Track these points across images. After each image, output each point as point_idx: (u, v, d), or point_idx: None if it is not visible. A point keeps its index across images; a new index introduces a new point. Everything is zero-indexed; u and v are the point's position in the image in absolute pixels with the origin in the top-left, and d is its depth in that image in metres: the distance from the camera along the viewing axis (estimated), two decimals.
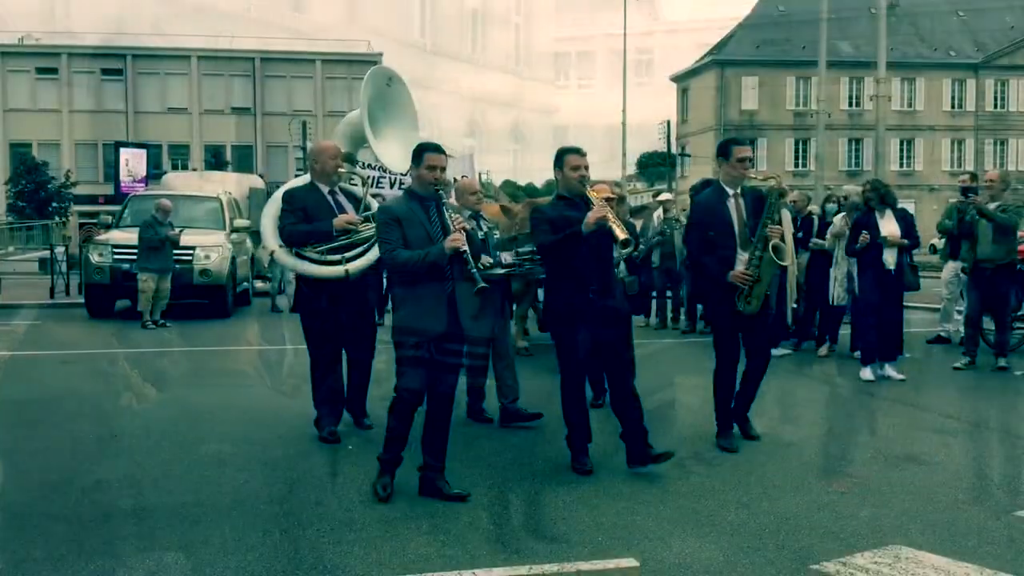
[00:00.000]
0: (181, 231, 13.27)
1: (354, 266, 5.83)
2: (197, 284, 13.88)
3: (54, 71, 51.11)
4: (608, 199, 5.19)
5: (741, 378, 5.90)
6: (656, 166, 63.90)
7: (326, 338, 5.97)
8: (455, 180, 9.58)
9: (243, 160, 50.11)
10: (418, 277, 4.66)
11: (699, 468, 5.45)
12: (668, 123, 48.71)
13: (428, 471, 4.78)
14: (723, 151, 5.86)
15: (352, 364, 6.15)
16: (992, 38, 55.88)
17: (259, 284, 18.90)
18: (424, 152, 4.79)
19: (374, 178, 9.11)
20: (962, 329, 11.09)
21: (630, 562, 3.93)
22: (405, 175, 9.31)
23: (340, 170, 5.99)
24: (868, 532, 4.34)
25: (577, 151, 5.33)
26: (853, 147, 52.34)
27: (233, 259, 14.77)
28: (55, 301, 16.77)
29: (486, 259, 5.21)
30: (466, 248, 4.56)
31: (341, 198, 6.03)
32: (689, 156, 54.94)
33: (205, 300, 14.46)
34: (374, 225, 5.58)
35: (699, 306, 11.47)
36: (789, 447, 5.94)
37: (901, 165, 52.70)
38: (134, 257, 13.14)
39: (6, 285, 17.77)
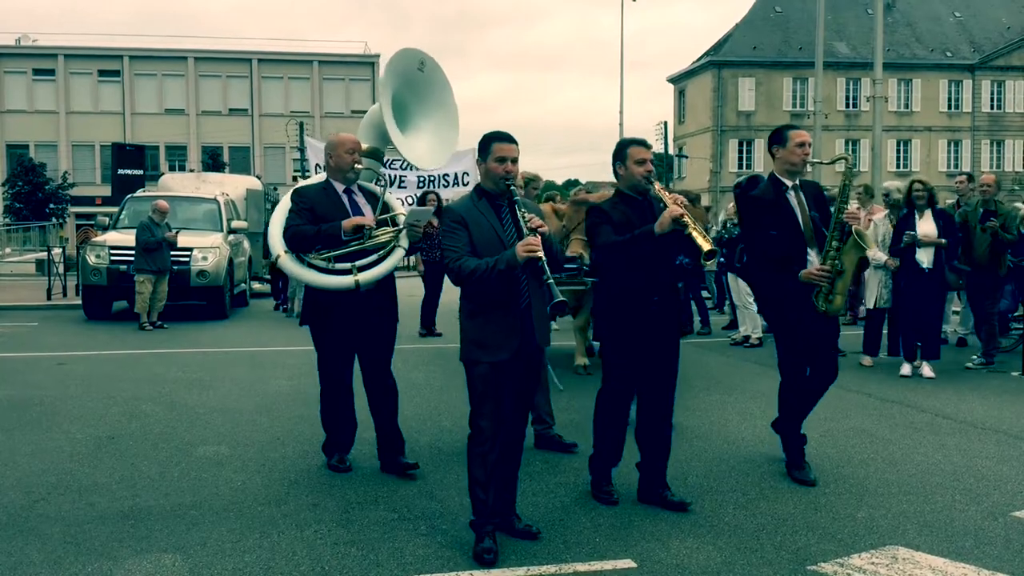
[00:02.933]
0: (178, 232, 13.28)
1: (366, 276, 5.03)
2: (194, 285, 13.90)
3: (51, 72, 51.10)
4: (684, 203, 4.50)
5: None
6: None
7: (337, 356, 5.28)
8: (459, 175, 9.39)
9: (240, 161, 50.12)
10: (489, 290, 4.01)
11: (697, 469, 5.45)
12: (665, 124, 48.74)
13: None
14: (777, 138, 5.22)
15: (373, 393, 5.34)
16: (988, 39, 56.00)
17: (256, 285, 18.91)
18: (492, 142, 4.13)
19: (395, 178, 8.63)
20: (959, 330, 11.14)
21: (627, 563, 3.93)
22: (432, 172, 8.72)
23: (358, 166, 5.18)
24: (865, 533, 4.34)
25: (642, 143, 4.71)
26: (850, 148, 52.36)
27: (230, 260, 14.80)
28: (52, 303, 16.78)
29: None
30: (542, 255, 3.85)
31: (359, 198, 5.26)
32: (686, 157, 55.03)
33: (202, 301, 14.47)
34: (392, 230, 5.19)
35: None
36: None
37: (897, 166, 52.78)
38: (131, 258, 13.14)
39: (3, 286, 17.74)
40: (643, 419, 4.78)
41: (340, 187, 5.21)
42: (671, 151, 53.09)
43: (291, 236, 5.10)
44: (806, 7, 49.59)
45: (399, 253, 5.23)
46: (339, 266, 5.05)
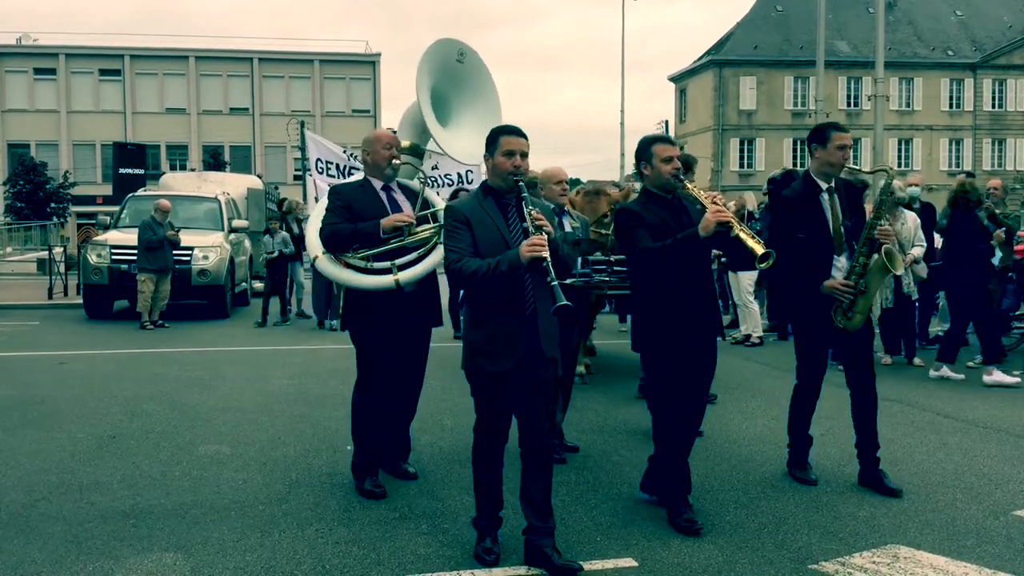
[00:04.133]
0: (180, 231, 13.28)
1: (407, 275, 4.77)
2: (195, 284, 13.90)
3: (52, 71, 51.12)
4: (720, 200, 4.29)
5: (853, 423, 5.19)
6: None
7: (383, 360, 4.89)
8: (463, 175, 9.28)
9: (241, 160, 50.13)
10: (491, 293, 3.82)
11: (697, 468, 5.45)
12: (666, 123, 48.67)
13: (533, 534, 3.90)
14: (819, 136, 4.93)
15: (400, 396, 5.14)
16: (990, 38, 55.96)
17: (257, 284, 18.90)
18: (499, 135, 3.90)
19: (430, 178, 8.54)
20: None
21: (628, 562, 3.93)
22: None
23: (395, 162, 4.93)
24: (867, 532, 4.34)
25: (667, 139, 4.51)
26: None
27: (231, 259, 14.79)
28: (53, 302, 16.78)
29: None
30: (546, 255, 3.62)
31: (398, 196, 5.02)
32: (686, 156, 54.93)
33: (203, 300, 14.48)
34: (433, 226, 4.94)
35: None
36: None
37: (899, 165, 52.72)
38: (132, 258, 13.15)
39: (5, 285, 17.74)
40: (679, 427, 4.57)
41: (378, 184, 4.98)
42: None
43: (327, 235, 4.85)
44: (807, 6, 49.52)
45: (440, 250, 4.83)
46: (378, 265, 4.80)
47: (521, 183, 3.87)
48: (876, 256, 4.81)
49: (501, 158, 3.87)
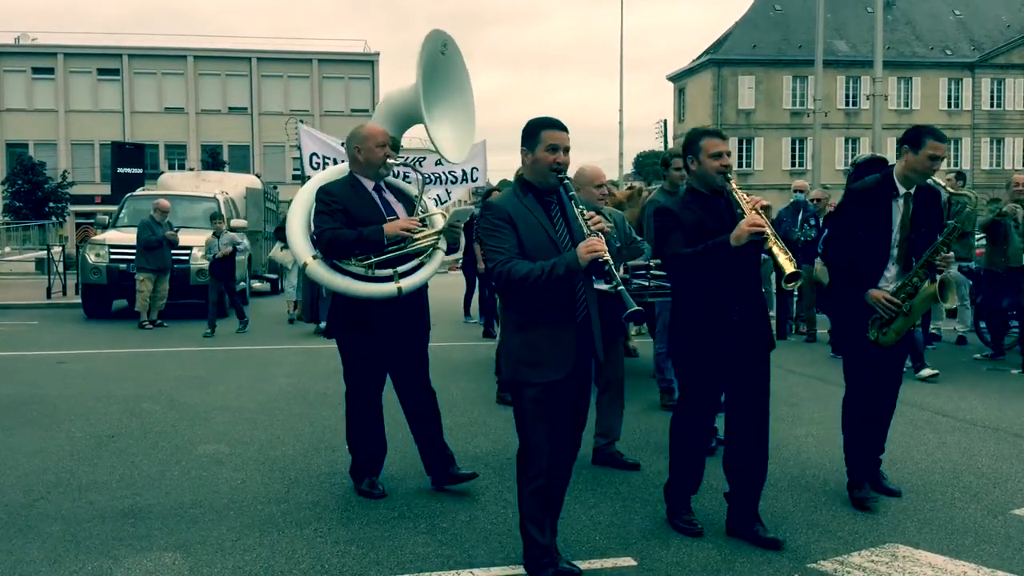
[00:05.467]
0: (178, 231, 13.28)
1: (408, 283, 4.65)
2: (194, 284, 13.90)
3: (50, 71, 51.08)
4: (764, 207, 3.97)
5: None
6: (653, 165, 63.95)
7: (369, 370, 4.81)
8: (467, 172, 9.12)
9: (240, 160, 50.11)
10: (541, 298, 3.52)
11: None
12: (665, 123, 48.73)
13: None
14: (914, 140, 4.52)
15: (411, 407, 4.91)
16: (988, 37, 56.01)
17: (256, 284, 18.91)
18: (541, 128, 3.63)
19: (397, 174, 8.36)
20: (958, 327, 11.13)
21: (628, 561, 3.93)
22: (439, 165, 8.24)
23: (390, 160, 4.76)
24: (865, 530, 4.34)
25: (716, 133, 4.18)
26: (850, 146, 52.41)
27: None
28: (52, 301, 16.79)
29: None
30: (607, 257, 3.40)
31: (389, 196, 4.84)
32: None
33: (202, 300, 14.46)
34: (434, 232, 4.80)
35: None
36: (787, 446, 5.94)
37: None
38: (131, 257, 13.15)
39: (3, 285, 17.74)
40: (732, 443, 4.25)
41: (369, 184, 4.76)
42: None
43: (328, 241, 4.58)
44: (806, 5, 49.56)
45: (439, 256, 4.87)
46: (380, 272, 4.61)
47: (567, 180, 3.64)
48: (930, 284, 4.53)
49: (544, 153, 3.59)
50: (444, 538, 4.21)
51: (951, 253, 4.61)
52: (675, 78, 60.41)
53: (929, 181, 4.68)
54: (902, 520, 4.49)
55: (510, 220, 3.54)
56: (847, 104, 53.61)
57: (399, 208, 4.83)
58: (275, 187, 28.99)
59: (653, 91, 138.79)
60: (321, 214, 4.63)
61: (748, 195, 3.99)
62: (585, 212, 3.56)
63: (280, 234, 13.82)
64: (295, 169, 45.89)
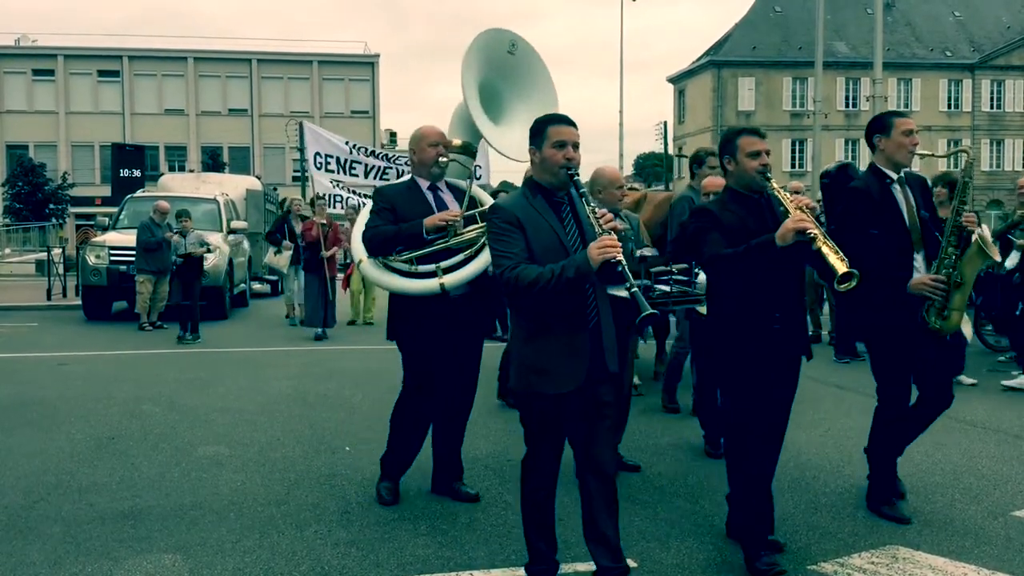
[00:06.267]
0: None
1: (452, 279, 4.47)
2: None
3: (51, 72, 51.11)
4: (808, 206, 3.75)
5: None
6: (653, 167, 64.04)
7: (428, 369, 4.63)
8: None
9: (240, 161, 50.15)
10: (550, 304, 3.33)
11: (697, 469, 5.45)
12: (664, 124, 48.72)
13: None
14: (879, 125, 4.50)
15: (446, 411, 4.78)
16: (988, 38, 56.04)
17: (256, 286, 18.91)
18: (547, 125, 3.46)
19: (379, 168, 8.14)
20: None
21: (628, 562, 3.92)
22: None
23: (442, 159, 4.63)
24: (865, 532, 4.34)
25: (754, 131, 3.98)
26: (850, 147, 52.42)
27: (230, 260, 14.80)
28: (52, 303, 16.80)
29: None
30: (620, 257, 3.18)
31: (446, 196, 4.73)
32: (686, 157, 54.99)
33: (202, 302, 14.45)
34: (482, 225, 4.57)
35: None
36: (786, 448, 5.92)
37: None
38: (131, 259, 13.15)
39: (3, 287, 17.75)
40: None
41: (424, 184, 4.69)
42: (671, 151, 53.12)
43: (370, 238, 4.60)
44: (806, 7, 49.59)
45: (489, 252, 4.42)
46: (422, 268, 4.51)
47: (576, 177, 3.43)
48: (972, 242, 4.32)
49: (551, 150, 3.40)
50: (444, 540, 4.21)
51: (973, 212, 4.45)
52: (675, 80, 60.45)
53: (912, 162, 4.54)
54: None
55: (518, 223, 3.36)
56: (847, 105, 53.64)
57: (455, 207, 4.69)
58: (275, 188, 29.01)
59: (653, 92, 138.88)
60: (371, 214, 4.70)
61: (789, 194, 3.80)
62: (596, 210, 3.35)
63: (271, 238, 13.75)
64: (295, 171, 45.99)
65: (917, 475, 5.32)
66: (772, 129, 53.82)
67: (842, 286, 3.60)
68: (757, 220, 3.82)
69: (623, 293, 3.27)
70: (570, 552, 4.00)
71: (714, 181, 5.55)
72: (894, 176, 4.45)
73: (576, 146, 3.42)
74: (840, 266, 3.57)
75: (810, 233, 3.57)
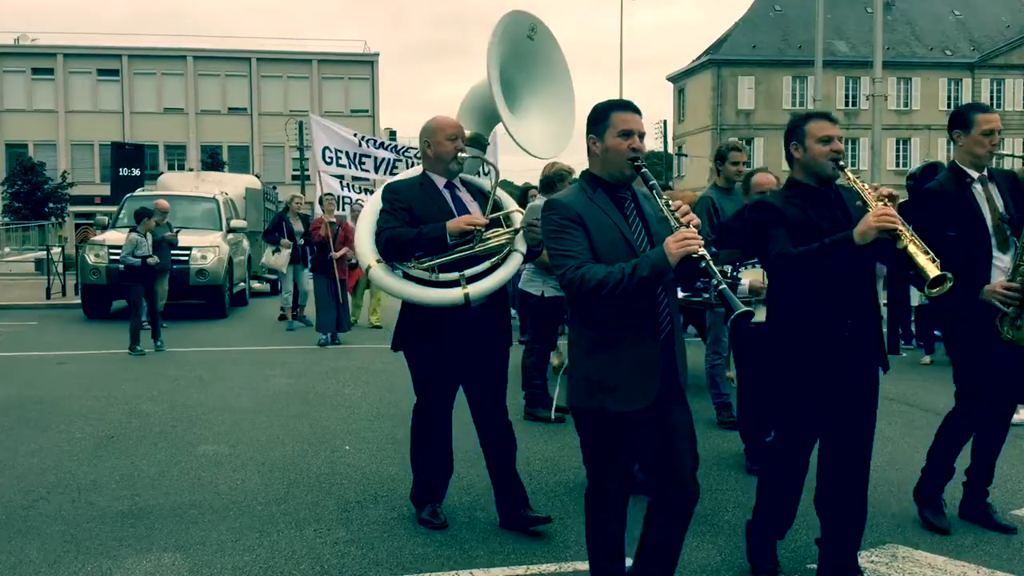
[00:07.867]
0: (178, 231, 13.26)
1: (477, 289, 4.08)
2: (194, 284, 13.91)
3: (50, 71, 51.09)
4: (891, 196, 3.35)
5: (975, 449, 4.52)
6: (653, 166, 64.02)
7: (439, 386, 4.32)
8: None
9: (239, 160, 50.13)
10: (619, 310, 2.99)
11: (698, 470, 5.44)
12: (664, 123, 48.79)
13: None
14: (960, 121, 4.30)
15: (484, 431, 4.38)
16: (988, 37, 56.04)
17: (256, 285, 18.91)
18: (610, 111, 3.09)
19: (388, 161, 7.85)
20: None
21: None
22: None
23: (462, 155, 4.22)
24: (865, 531, 4.32)
25: (826, 116, 3.62)
26: (849, 146, 52.40)
27: (230, 259, 14.81)
28: (51, 302, 16.80)
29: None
30: (703, 251, 2.84)
31: (463, 194, 4.32)
32: (686, 156, 55.04)
33: (202, 300, 14.47)
34: (507, 231, 4.26)
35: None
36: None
37: (897, 165, 52.78)
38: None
39: (3, 285, 17.74)
40: (827, 480, 3.59)
41: (440, 181, 4.28)
42: (671, 150, 53.16)
43: (386, 241, 4.12)
44: (805, 5, 49.52)
45: (516, 259, 4.25)
46: (444, 277, 4.08)
47: (645, 169, 3.09)
48: None
49: (616, 139, 3.04)
50: (444, 539, 4.21)
51: None
52: (675, 78, 60.42)
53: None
54: (902, 521, 4.49)
55: (579, 220, 3.01)
56: (847, 104, 53.62)
57: (474, 207, 4.28)
58: (275, 187, 29.01)
59: (653, 91, 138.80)
60: (384, 213, 4.21)
61: (867, 184, 3.43)
62: (671, 202, 2.95)
63: (269, 237, 13.41)
64: (295, 169, 45.93)
65: (917, 474, 5.30)
66: (772, 128, 53.79)
67: (934, 290, 3.24)
68: (824, 216, 3.46)
69: (696, 298, 2.91)
70: (570, 551, 4.01)
71: (765, 178, 5.30)
72: (974, 175, 4.23)
73: (642, 136, 3.09)
74: (932, 269, 3.21)
75: (896, 230, 3.21)
